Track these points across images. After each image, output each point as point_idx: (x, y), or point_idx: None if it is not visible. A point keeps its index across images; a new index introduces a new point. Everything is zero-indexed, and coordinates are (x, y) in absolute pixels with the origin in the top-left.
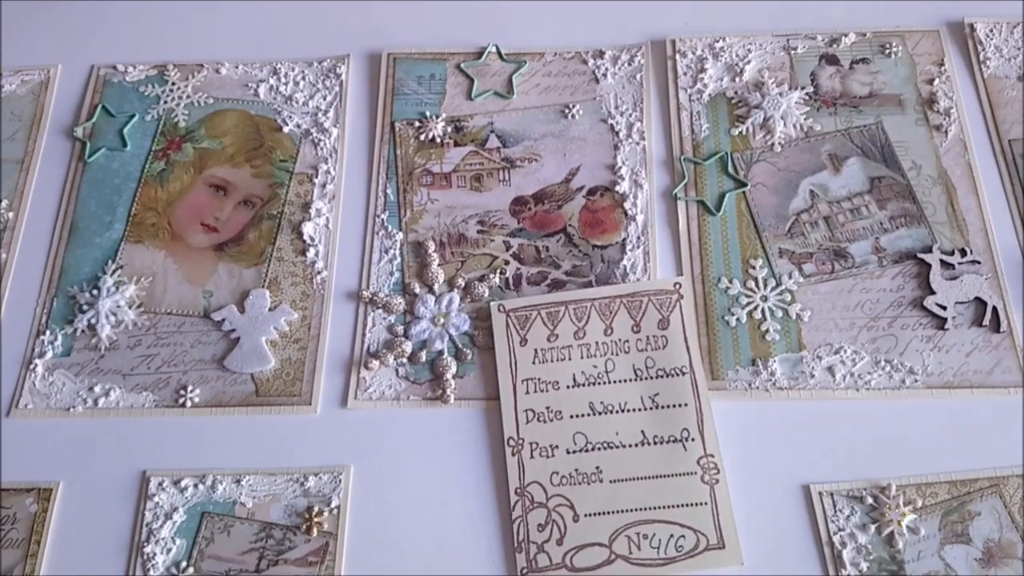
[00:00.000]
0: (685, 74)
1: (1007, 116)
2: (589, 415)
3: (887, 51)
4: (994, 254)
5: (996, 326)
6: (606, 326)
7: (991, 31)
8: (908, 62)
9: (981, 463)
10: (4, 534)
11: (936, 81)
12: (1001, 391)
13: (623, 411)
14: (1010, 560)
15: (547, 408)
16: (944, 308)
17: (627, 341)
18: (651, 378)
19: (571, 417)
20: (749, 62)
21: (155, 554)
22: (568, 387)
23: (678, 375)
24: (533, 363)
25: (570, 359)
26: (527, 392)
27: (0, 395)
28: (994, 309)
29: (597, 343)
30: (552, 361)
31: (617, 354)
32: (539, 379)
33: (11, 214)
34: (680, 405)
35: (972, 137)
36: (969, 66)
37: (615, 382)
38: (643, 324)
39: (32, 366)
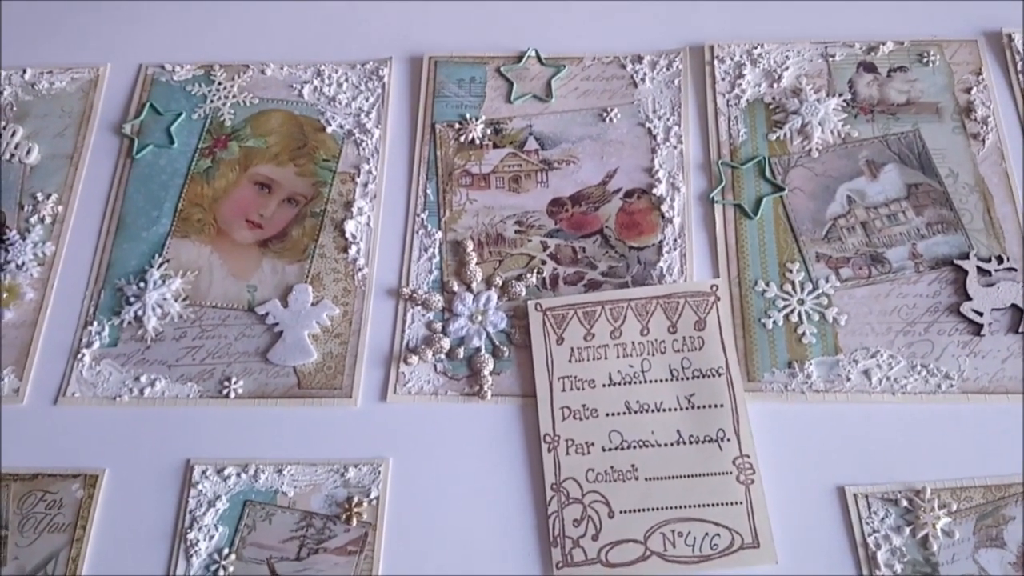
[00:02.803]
0: (723, 79)
1: None
2: (625, 414)
3: (924, 60)
4: None
5: None
6: (642, 326)
7: None
8: (946, 71)
9: (1016, 468)
10: (51, 518)
11: (974, 90)
12: None
13: (659, 410)
14: None
15: (583, 406)
16: (980, 314)
17: (663, 342)
18: (687, 379)
19: (607, 415)
20: (787, 68)
21: (198, 540)
22: (604, 386)
23: (714, 376)
24: (569, 361)
25: (606, 358)
26: (563, 390)
27: (43, 383)
28: None
29: (633, 343)
30: (588, 360)
31: (653, 354)
32: (575, 377)
33: (61, 208)
34: (716, 406)
35: (1009, 145)
36: (1007, 76)
37: (651, 382)
38: (679, 325)
39: (80, 356)
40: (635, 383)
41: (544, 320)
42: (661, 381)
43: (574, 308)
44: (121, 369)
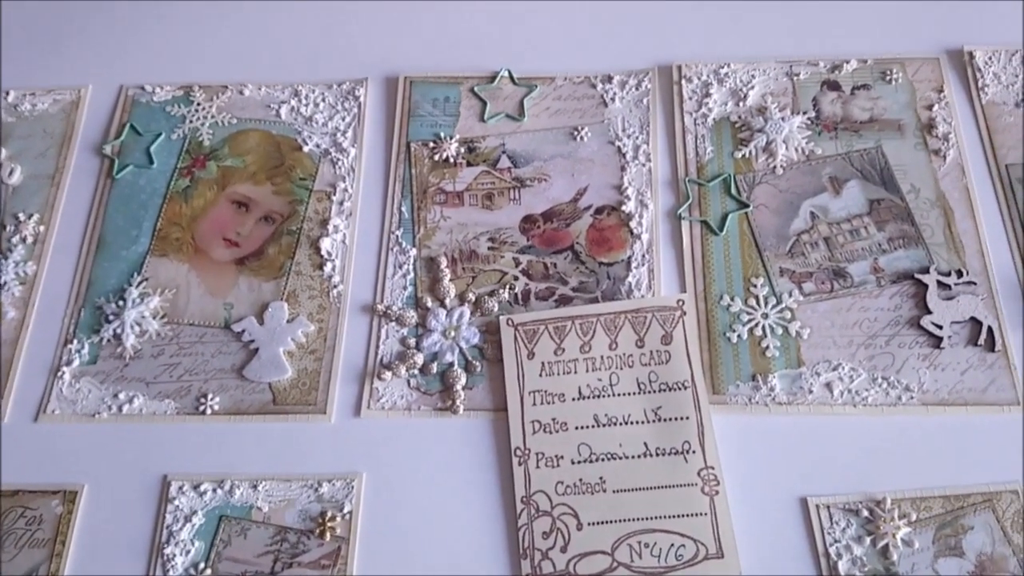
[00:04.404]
0: (691, 98)
1: (1004, 141)
2: (594, 427)
3: (888, 77)
4: (990, 275)
5: (991, 345)
6: (611, 341)
7: (990, 58)
8: (908, 88)
9: (975, 478)
10: (32, 534)
11: (935, 107)
12: (995, 409)
13: (627, 423)
14: (1002, 574)
15: (553, 419)
16: (940, 327)
17: (631, 355)
18: (654, 392)
19: (576, 428)
20: (753, 87)
21: (175, 555)
22: (574, 399)
23: (680, 389)
24: (540, 376)
25: (576, 372)
26: (534, 404)
27: (24, 401)
28: (989, 329)
29: (602, 357)
30: (558, 374)
31: (621, 368)
32: (546, 391)
33: (42, 228)
34: (682, 418)
35: (970, 161)
36: (968, 92)
37: (619, 395)
38: (647, 339)
39: (60, 373)
40: (604, 396)
41: (515, 335)
42: (629, 394)
43: (545, 323)
44: (100, 386)
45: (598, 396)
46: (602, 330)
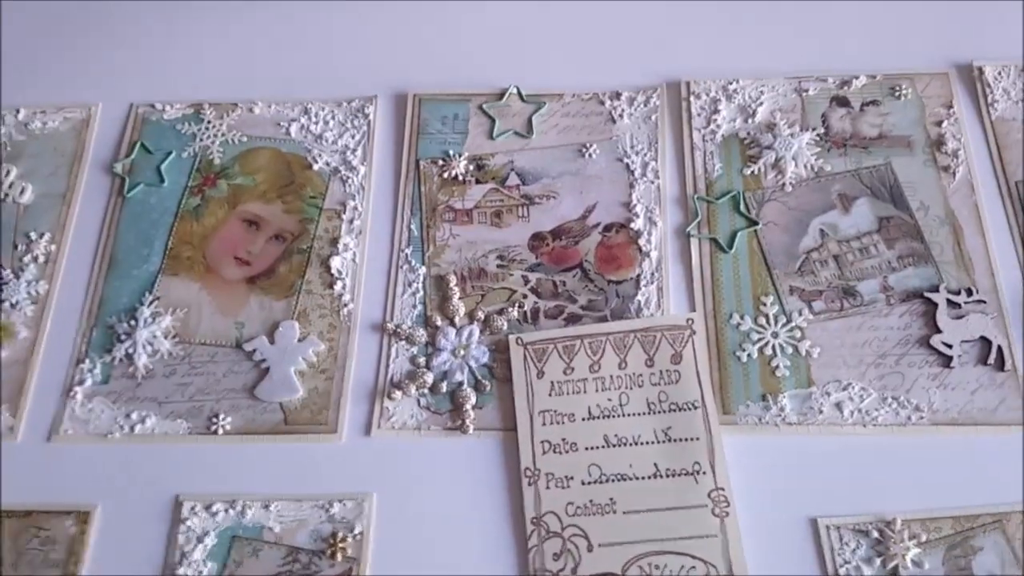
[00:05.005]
0: (699, 115)
1: (1013, 158)
2: (604, 447)
3: (897, 93)
4: (999, 294)
5: (1000, 365)
6: (620, 360)
7: (999, 74)
8: (917, 104)
9: (984, 499)
10: (46, 554)
11: (944, 123)
12: (1005, 428)
13: (637, 444)
14: None
15: (563, 440)
16: (950, 347)
17: (641, 375)
18: (664, 412)
19: (586, 449)
20: (761, 104)
21: None
22: (583, 419)
23: (690, 409)
24: (549, 395)
25: (585, 392)
26: (544, 424)
27: (37, 421)
28: (999, 348)
29: (611, 376)
30: (568, 394)
31: (631, 388)
32: (555, 411)
33: (53, 247)
34: (692, 439)
35: (979, 178)
36: (977, 108)
37: (629, 415)
38: (656, 359)
39: (72, 393)
40: (613, 417)
41: (525, 354)
42: (639, 415)
43: (554, 342)
44: (112, 406)
45: (608, 416)
46: (611, 349)
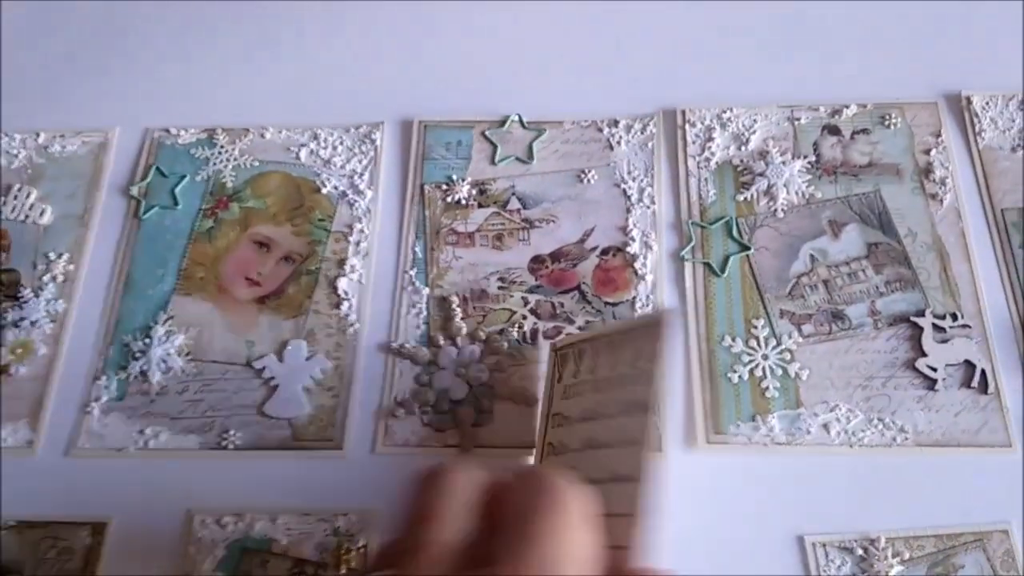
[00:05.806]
0: (694, 142)
1: (1000, 186)
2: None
3: (887, 122)
4: (984, 318)
5: (984, 388)
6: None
7: (987, 103)
8: (907, 133)
9: (967, 518)
10: (63, 564)
11: (933, 151)
12: (987, 450)
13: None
14: None
15: (561, 442)
16: (935, 370)
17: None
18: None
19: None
20: (755, 132)
21: None
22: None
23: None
24: (562, 399)
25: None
26: (552, 427)
27: (54, 436)
28: (982, 372)
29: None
30: (571, 396)
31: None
32: (561, 414)
33: (71, 267)
34: None
35: (966, 206)
36: (965, 137)
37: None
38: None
39: (89, 409)
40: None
41: (554, 359)
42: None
43: (575, 346)
44: (127, 422)
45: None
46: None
